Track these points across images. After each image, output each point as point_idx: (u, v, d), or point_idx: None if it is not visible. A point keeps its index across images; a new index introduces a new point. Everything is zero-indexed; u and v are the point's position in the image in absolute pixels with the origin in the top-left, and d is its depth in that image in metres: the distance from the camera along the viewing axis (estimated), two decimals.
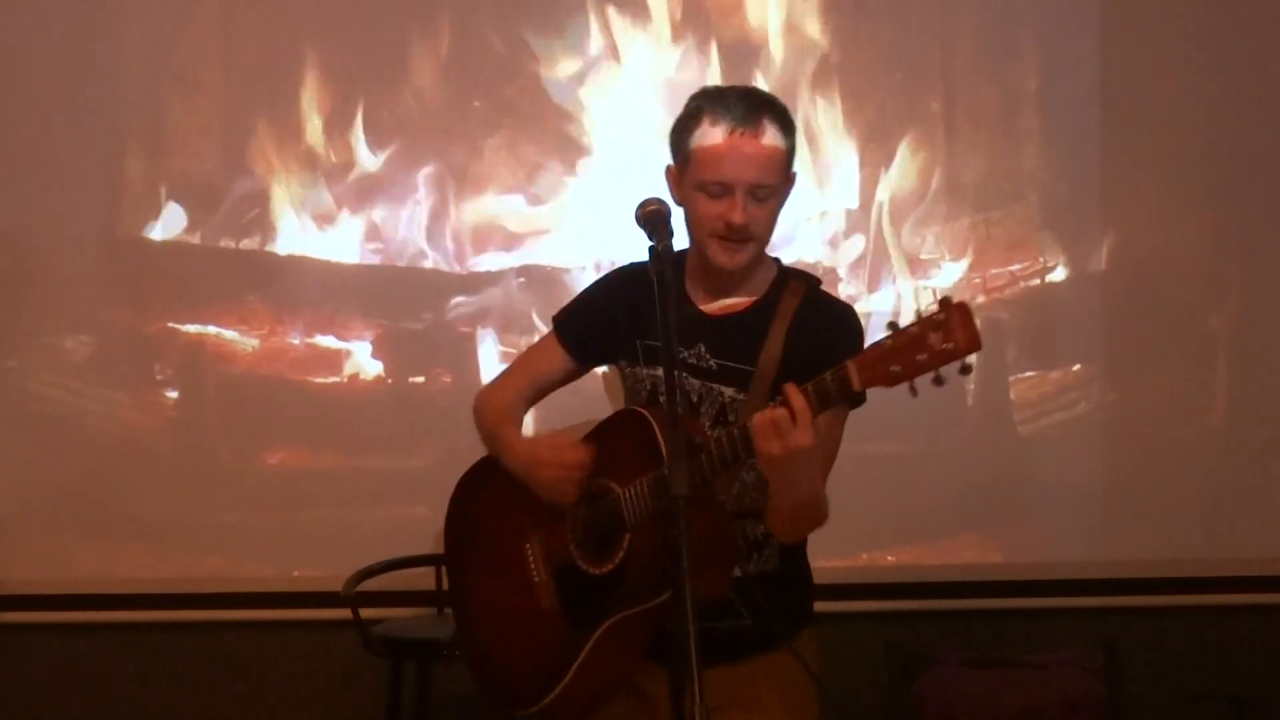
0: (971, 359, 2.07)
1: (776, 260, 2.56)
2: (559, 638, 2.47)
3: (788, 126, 2.45)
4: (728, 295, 2.50)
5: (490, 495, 2.62)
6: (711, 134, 2.39)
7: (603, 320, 2.57)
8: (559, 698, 2.46)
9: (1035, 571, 3.77)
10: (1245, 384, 3.80)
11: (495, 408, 2.63)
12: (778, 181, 2.43)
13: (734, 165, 2.38)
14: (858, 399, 2.34)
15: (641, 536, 2.38)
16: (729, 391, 2.45)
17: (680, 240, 2.41)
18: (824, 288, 2.55)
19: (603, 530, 2.45)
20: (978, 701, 3.54)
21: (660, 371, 2.42)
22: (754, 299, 2.49)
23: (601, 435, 2.51)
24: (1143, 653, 3.71)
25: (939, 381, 2.10)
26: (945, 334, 2.08)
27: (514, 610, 2.55)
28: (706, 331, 2.47)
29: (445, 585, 2.90)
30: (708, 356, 2.47)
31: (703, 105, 2.44)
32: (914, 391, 2.11)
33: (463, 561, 2.68)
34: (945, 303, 2.09)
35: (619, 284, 2.60)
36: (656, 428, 2.37)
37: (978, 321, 2.08)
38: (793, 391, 2.20)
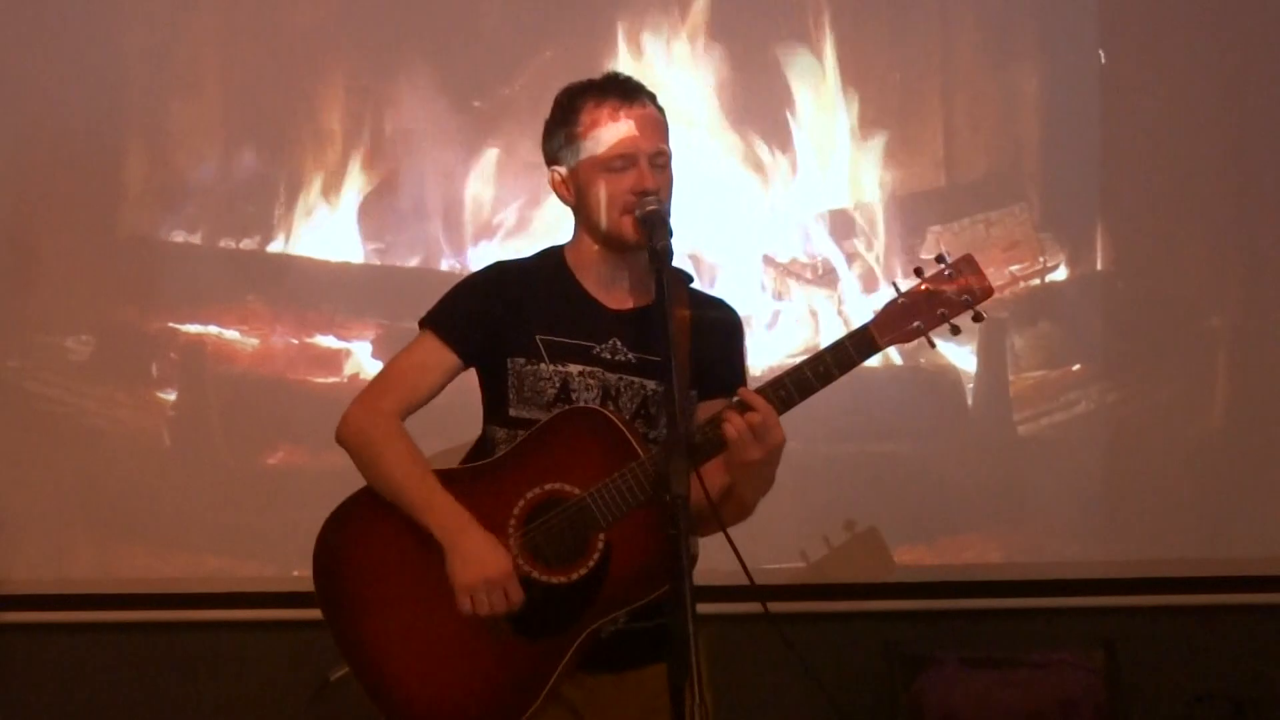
0: (984, 307, 2.27)
1: None
2: (521, 656, 2.41)
3: (658, 103, 2.54)
4: (626, 287, 2.52)
5: (389, 527, 2.49)
6: (600, 115, 2.47)
7: (486, 317, 2.53)
8: (540, 711, 2.42)
9: (1035, 571, 3.77)
10: (1245, 384, 3.80)
11: (391, 445, 2.51)
12: (669, 150, 2.50)
13: (634, 135, 2.45)
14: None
15: (620, 535, 2.38)
16: (650, 384, 2.47)
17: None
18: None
19: (561, 537, 2.41)
20: (978, 701, 3.55)
21: (570, 368, 2.48)
22: (652, 294, 2.47)
23: (539, 441, 2.46)
24: (1143, 653, 3.70)
25: (956, 330, 2.29)
26: (960, 285, 2.26)
27: (453, 642, 2.44)
28: (616, 326, 2.50)
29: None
30: (624, 350, 2.49)
31: (577, 98, 2.52)
32: (932, 344, 2.31)
33: (361, 606, 2.51)
34: (940, 259, 2.28)
35: (498, 280, 2.59)
36: (622, 427, 2.39)
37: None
38: (751, 396, 2.31)
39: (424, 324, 2.58)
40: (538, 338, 2.50)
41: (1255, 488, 3.78)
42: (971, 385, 3.78)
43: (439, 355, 2.54)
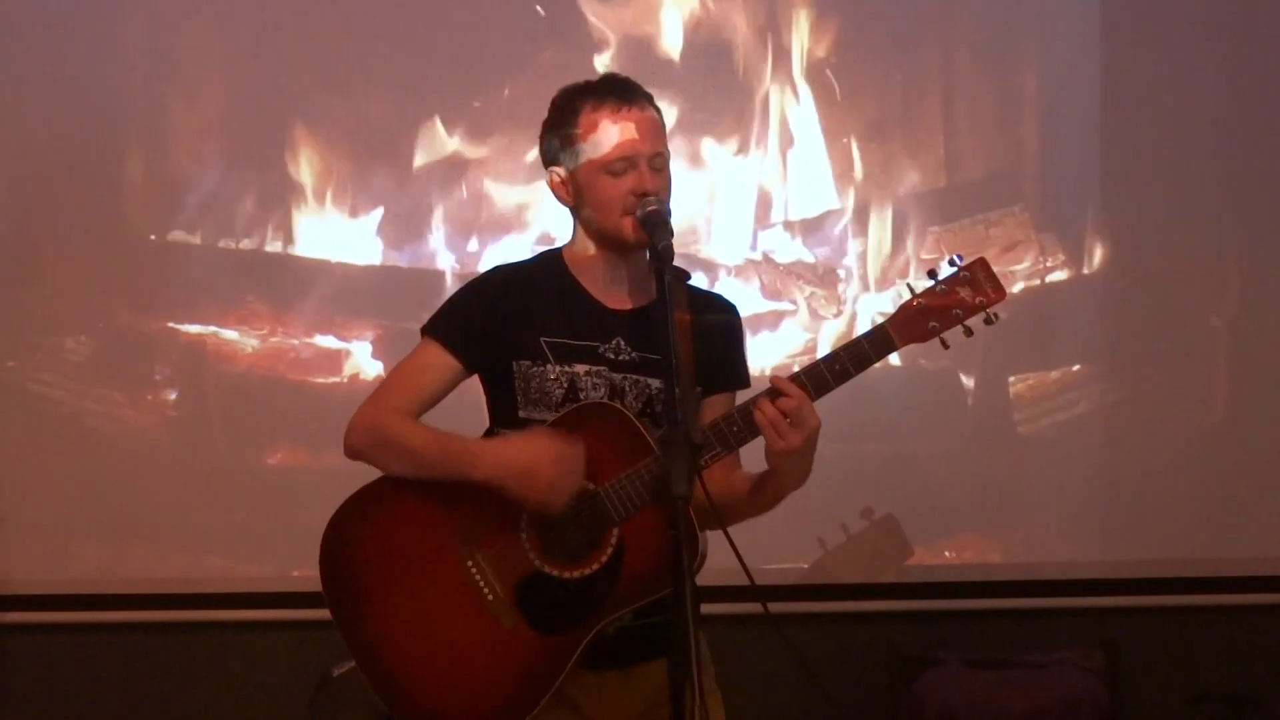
0: (997, 309, 2.33)
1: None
2: (535, 650, 2.40)
3: (655, 105, 2.53)
4: (625, 288, 2.52)
5: (394, 523, 2.49)
6: (600, 117, 2.46)
7: (487, 322, 2.51)
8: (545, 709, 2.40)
9: (1035, 571, 3.78)
10: (1245, 384, 3.80)
11: (405, 426, 2.47)
12: (667, 152, 2.50)
13: (634, 138, 2.44)
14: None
15: (635, 531, 2.37)
16: (655, 383, 2.47)
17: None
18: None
19: (575, 531, 2.39)
20: (978, 702, 3.55)
21: (577, 368, 2.47)
22: (651, 293, 2.48)
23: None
24: (1143, 653, 3.71)
25: (969, 333, 2.35)
26: (974, 289, 2.33)
27: (467, 636, 2.42)
28: (619, 325, 2.49)
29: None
30: (627, 349, 2.48)
31: (575, 99, 2.50)
32: (945, 345, 2.35)
33: (367, 602, 2.48)
34: (953, 261, 2.33)
35: (497, 284, 2.57)
36: (636, 423, 2.38)
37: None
38: (784, 383, 2.31)
39: (425, 331, 2.55)
40: (542, 340, 2.49)
41: (1255, 488, 3.78)
42: (971, 385, 3.78)
43: (441, 361, 2.51)
